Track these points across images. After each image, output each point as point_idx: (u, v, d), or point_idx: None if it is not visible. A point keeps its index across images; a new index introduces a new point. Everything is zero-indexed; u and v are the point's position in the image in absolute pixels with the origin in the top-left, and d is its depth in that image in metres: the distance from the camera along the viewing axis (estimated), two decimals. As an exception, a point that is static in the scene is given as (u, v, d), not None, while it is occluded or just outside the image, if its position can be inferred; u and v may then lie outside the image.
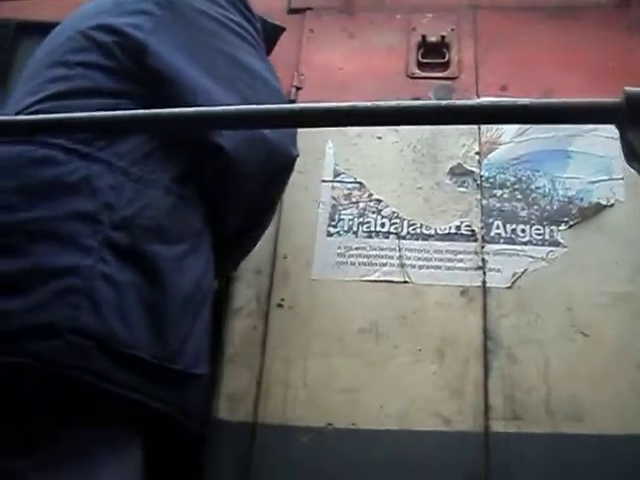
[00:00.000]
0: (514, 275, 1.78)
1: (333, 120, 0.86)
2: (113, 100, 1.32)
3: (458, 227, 1.85)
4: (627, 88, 0.77)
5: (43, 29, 1.65)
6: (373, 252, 1.83)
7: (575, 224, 1.85)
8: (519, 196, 1.89)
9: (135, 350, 1.16)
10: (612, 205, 1.86)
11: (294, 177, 1.90)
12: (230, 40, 1.45)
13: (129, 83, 1.35)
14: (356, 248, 1.84)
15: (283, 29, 1.93)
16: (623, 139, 0.79)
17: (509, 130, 1.97)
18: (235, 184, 1.43)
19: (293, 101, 2.06)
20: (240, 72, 1.43)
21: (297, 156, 1.55)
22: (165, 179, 1.32)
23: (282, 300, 1.79)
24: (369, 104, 0.80)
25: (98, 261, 1.17)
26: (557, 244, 1.82)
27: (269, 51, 1.78)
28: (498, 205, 1.88)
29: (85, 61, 1.36)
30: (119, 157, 1.26)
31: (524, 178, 1.92)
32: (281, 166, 1.52)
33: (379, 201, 1.90)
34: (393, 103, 0.80)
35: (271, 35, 1.79)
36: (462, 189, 1.91)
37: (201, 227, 1.39)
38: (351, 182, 1.94)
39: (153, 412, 1.20)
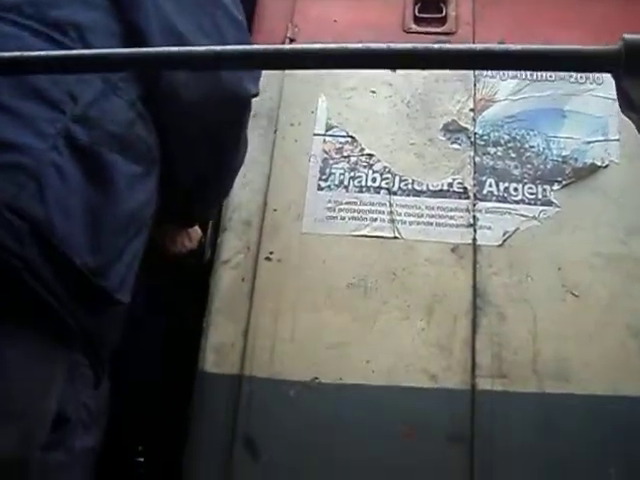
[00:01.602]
0: (505, 234, 1.77)
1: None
2: None
3: (450, 184, 1.83)
4: (626, 35, 0.75)
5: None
6: (364, 207, 1.81)
7: (568, 184, 1.83)
8: (513, 155, 1.87)
9: (68, 250, 1.12)
10: (607, 166, 1.85)
11: (285, 130, 1.89)
12: None
13: None
14: (347, 203, 1.82)
15: None
16: (619, 88, 0.77)
17: (504, 88, 1.95)
18: (178, 114, 1.38)
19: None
20: None
21: (255, 94, 1.49)
22: (133, 93, 1.30)
23: (271, 253, 1.77)
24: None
25: (52, 149, 1.14)
26: (550, 204, 1.80)
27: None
28: (491, 163, 1.86)
29: None
30: None
31: (518, 137, 1.89)
32: (234, 102, 1.45)
33: (371, 156, 1.88)
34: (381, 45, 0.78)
35: None
36: (455, 146, 1.88)
37: (155, 154, 1.36)
38: (343, 136, 1.91)
39: (64, 326, 1.16)
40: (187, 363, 1.71)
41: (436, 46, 0.80)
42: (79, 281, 1.15)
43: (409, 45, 0.80)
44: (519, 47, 0.79)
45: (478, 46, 0.80)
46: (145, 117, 1.32)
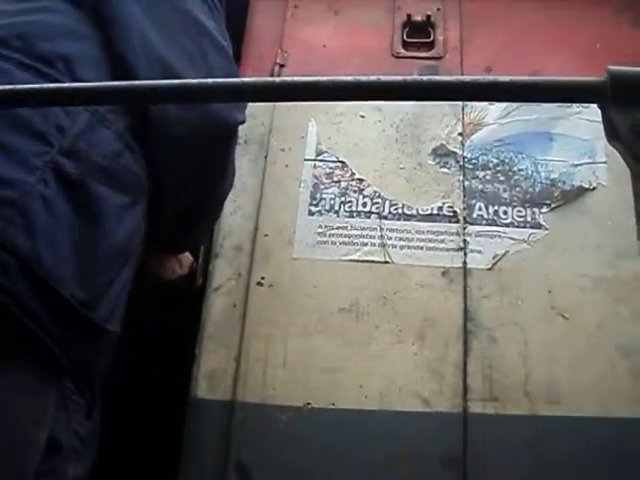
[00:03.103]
0: (495, 257, 1.78)
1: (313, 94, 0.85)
2: (69, 19, 1.34)
3: (440, 208, 1.84)
4: (610, 66, 0.76)
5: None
6: (354, 232, 1.82)
7: (557, 207, 1.84)
8: (501, 178, 1.88)
9: (56, 283, 1.13)
10: (594, 188, 1.86)
11: (276, 155, 1.91)
12: None
13: (81, 9, 1.36)
14: (337, 227, 1.83)
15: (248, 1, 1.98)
16: (605, 118, 0.78)
17: (492, 111, 1.96)
18: (168, 143, 1.39)
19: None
20: (185, 24, 1.41)
21: (242, 122, 1.51)
22: (120, 124, 1.31)
23: (262, 278, 1.78)
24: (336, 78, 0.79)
25: (40, 181, 1.14)
26: (539, 226, 1.82)
27: (240, 23, 1.76)
28: (480, 187, 1.87)
29: None
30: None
31: (507, 160, 1.91)
32: (222, 131, 1.46)
33: (361, 180, 1.89)
34: (371, 78, 0.79)
35: (237, 6, 1.76)
36: (444, 170, 1.90)
37: (143, 184, 1.37)
38: (333, 161, 1.92)
39: (53, 358, 1.16)
40: (179, 389, 1.71)
41: (425, 78, 0.81)
42: (68, 313, 1.15)
43: (399, 78, 0.81)
44: (507, 79, 0.81)
45: (465, 78, 0.81)
46: (133, 147, 1.33)
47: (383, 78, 0.80)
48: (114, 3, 1.35)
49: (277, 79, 0.87)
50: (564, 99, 0.84)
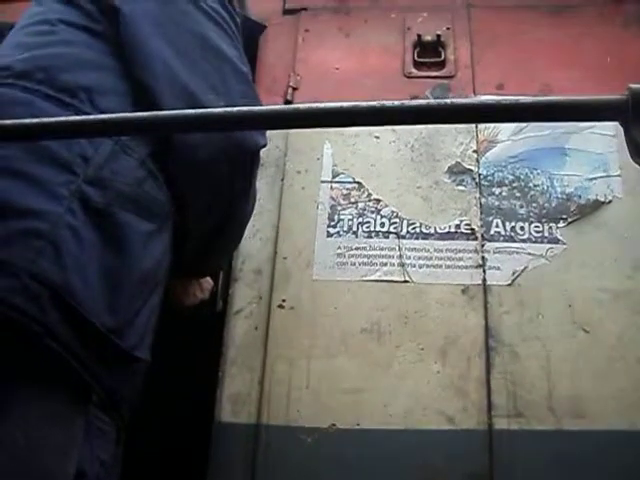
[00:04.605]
0: (514, 273, 1.78)
1: (333, 120, 0.86)
2: (90, 51, 1.37)
3: (458, 226, 1.85)
4: (632, 85, 0.77)
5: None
6: (373, 252, 1.83)
7: (574, 221, 1.85)
8: (518, 194, 1.89)
9: (87, 312, 1.13)
10: (610, 202, 1.87)
11: (293, 178, 1.92)
12: (203, 22, 1.45)
13: (103, 40, 1.39)
14: (356, 248, 1.84)
15: (264, 27, 2.03)
16: (628, 136, 0.79)
17: (506, 128, 1.98)
18: (191, 170, 1.40)
19: (289, 102, 2.06)
20: (206, 52, 1.42)
21: (263, 145, 1.51)
22: (143, 151, 1.32)
23: (283, 301, 1.79)
24: (364, 104, 0.80)
25: (67, 212, 1.16)
26: (556, 241, 1.82)
27: (254, 49, 1.78)
28: (497, 203, 1.88)
29: (66, 19, 1.40)
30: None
31: (522, 176, 1.92)
32: (245, 155, 1.47)
33: (378, 201, 1.90)
34: (395, 103, 0.80)
35: (253, 32, 1.79)
36: (461, 188, 1.91)
37: (167, 210, 1.38)
38: (350, 182, 1.94)
39: (84, 386, 1.17)
40: (204, 414, 1.71)
41: (438, 102, 0.82)
42: (99, 341, 1.16)
43: (414, 102, 0.82)
44: (528, 100, 0.81)
45: (486, 100, 0.82)
46: (155, 174, 1.35)
47: (406, 103, 0.81)
48: (135, 33, 1.37)
49: (293, 107, 0.88)
50: (585, 118, 0.84)
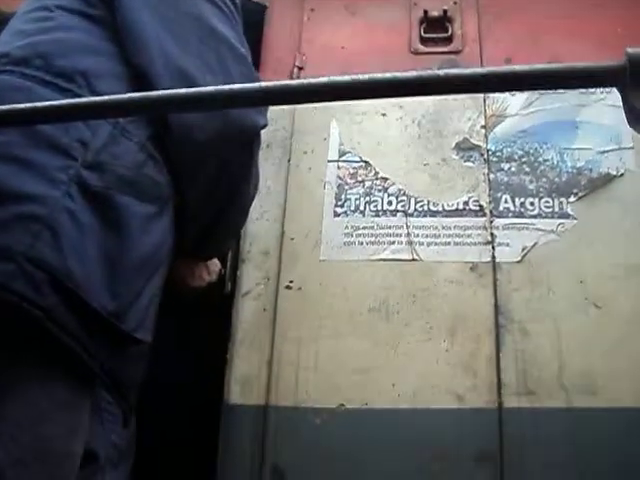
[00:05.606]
0: (524, 249, 1.76)
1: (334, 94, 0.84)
2: (87, 36, 1.36)
3: (466, 202, 1.83)
4: (629, 49, 0.75)
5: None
6: (381, 231, 1.81)
7: (585, 195, 1.82)
8: (527, 169, 1.87)
9: (86, 295, 1.13)
10: (622, 175, 1.84)
11: (299, 158, 1.91)
12: (199, 3, 1.43)
13: (100, 25, 1.38)
14: (364, 227, 1.82)
15: (265, 7, 2.02)
16: (626, 102, 0.77)
17: (515, 102, 1.95)
18: (191, 152, 1.39)
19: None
20: (203, 34, 1.41)
21: (264, 126, 1.50)
22: (142, 135, 1.31)
23: (291, 282, 1.78)
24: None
25: (65, 195, 1.15)
26: (567, 216, 1.80)
27: (260, 29, 1.76)
28: (506, 179, 1.86)
29: (63, 5, 1.39)
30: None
31: (531, 151, 1.89)
32: (244, 135, 1.46)
33: (385, 179, 1.88)
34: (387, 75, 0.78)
35: (254, 13, 1.77)
36: (469, 164, 1.88)
37: (168, 193, 1.37)
38: (357, 161, 1.92)
39: (85, 368, 1.17)
40: (213, 396, 1.71)
41: (435, 72, 0.80)
42: (99, 324, 1.16)
43: (413, 73, 0.80)
44: (524, 67, 0.79)
45: (481, 70, 0.80)
46: (155, 157, 1.34)
47: (399, 74, 0.79)
48: (130, 17, 1.37)
49: (291, 82, 0.87)
50: (583, 85, 0.82)
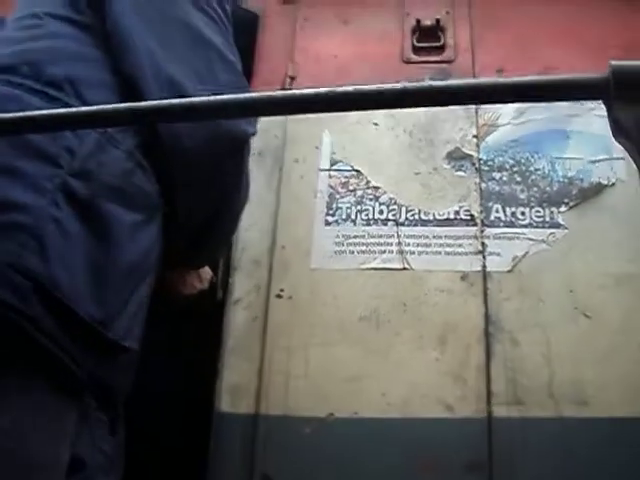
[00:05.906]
0: (514, 259, 1.76)
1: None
2: (76, 43, 1.36)
3: (457, 212, 1.84)
4: (613, 62, 0.75)
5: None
6: (372, 240, 1.82)
7: (576, 205, 1.83)
8: (518, 178, 1.87)
9: (72, 303, 1.13)
10: (613, 184, 1.84)
11: (291, 167, 1.91)
12: (189, 10, 1.43)
13: (89, 32, 1.38)
14: (354, 236, 1.82)
15: (256, 15, 2.03)
16: (610, 114, 0.77)
17: (506, 112, 1.95)
18: (180, 161, 1.39)
19: (287, 90, 2.04)
20: (193, 41, 1.41)
21: (252, 134, 1.50)
22: (130, 143, 1.31)
23: (281, 290, 1.78)
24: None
25: (51, 204, 1.15)
26: (558, 226, 1.80)
27: (253, 38, 1.76)
28: (497, 188, 1.86)
29: (52, 12, 1.40)
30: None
31: (523, 160, 1.90)
32: (232, 144, 1.46)
33: (377, 188, 1.88)
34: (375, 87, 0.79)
35: (246, 21, 1.77)
36: (460, 173, 1.89)
37: (156, 201, 1.37)
38: (348, 170, 1.92)
39: (72, 376, 1.17)
40: (203, 404, 1.71)
41: (420, 85, 0.80)
42: (85, 332, 1.16)
43: (399, 85, 0.80)
44: (507, 80, 0.80)
45: (465, 81, 0.81)
46: (144, 165, 1.34)
47: (387, 86, 0.80)
48: (120, 25, 1.37)
49: (281, 93, 0.87)
50: (567, 97, 0.82)
